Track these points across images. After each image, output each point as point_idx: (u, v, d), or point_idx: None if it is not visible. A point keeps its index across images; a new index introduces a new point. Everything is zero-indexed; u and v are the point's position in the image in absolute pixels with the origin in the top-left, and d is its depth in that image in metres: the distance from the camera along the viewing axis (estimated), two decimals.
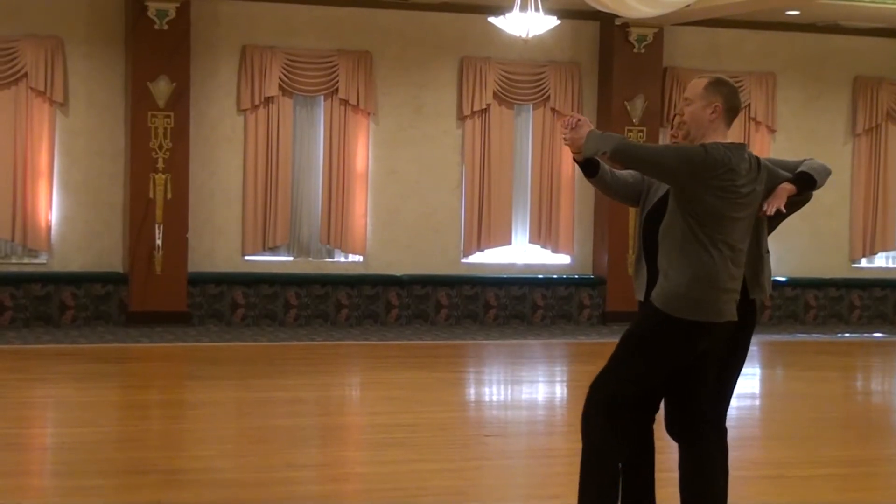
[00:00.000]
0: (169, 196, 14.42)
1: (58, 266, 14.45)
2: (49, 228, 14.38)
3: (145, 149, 14.33)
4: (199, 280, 14.75)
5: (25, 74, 14.11)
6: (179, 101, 14.45)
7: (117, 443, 8.20)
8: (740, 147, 4.99)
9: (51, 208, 14.39)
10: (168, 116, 14.39)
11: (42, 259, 14.43)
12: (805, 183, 5.10)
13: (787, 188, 5.06)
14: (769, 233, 5.34)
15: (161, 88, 14.29)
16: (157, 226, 14.38)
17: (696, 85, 5.10)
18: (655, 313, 4.99)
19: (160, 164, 14.38)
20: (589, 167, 5.20)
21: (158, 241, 14.36)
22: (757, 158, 5.05)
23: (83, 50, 14.48)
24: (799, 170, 5.16)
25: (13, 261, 14.27)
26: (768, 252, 5.32)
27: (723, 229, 4.91)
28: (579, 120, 5.01)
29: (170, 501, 6.55)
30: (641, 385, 5.13)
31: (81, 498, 6.48)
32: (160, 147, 14.35)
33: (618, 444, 5.16)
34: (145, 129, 14.34)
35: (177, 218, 14.49)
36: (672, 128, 5.18)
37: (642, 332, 5.09)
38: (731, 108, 5.05)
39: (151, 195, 14.37)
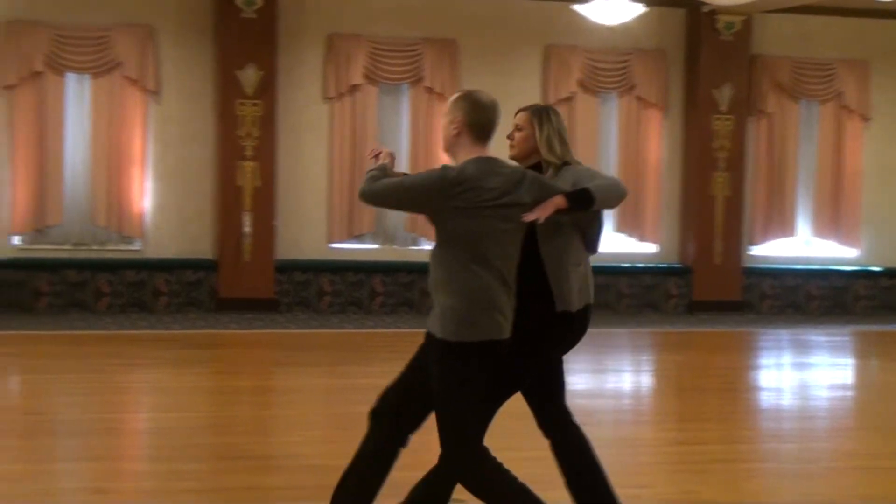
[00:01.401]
0: (257, 184, 14.58)
1: (151, 253, 14.69)
2: (142, 216, 14.63)
3: (233, 137, 14.51)
4: (286, 267, 14.91)
5: (120, 63, 14.35)
6: (267, 90, 14.61)
7: (209, 428, 8.33)
8: (488, 161, 4.87)
9: (144, 196, 14.63)
10: (256, 104, 14.54)
11: (136, 246, 14.69)
12: (579, 199, 4.92)
13: (555, 202, 4.86)
14: (589, 249, 5.27)
15: (249, 77, 14.45)
16: (245, 213, 14.56)
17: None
18: (438, 345, 4.93)
19: (248, 152, 14.55)
20: None
21: (247, 229, 14.54)
22: (522, 171, 4.97)
23: (174, 38, 14.70)
24: (580, 186, 5.02)
25: (109, 248, 14.53)
26: (580, 264, 5.23)
27: (479, 247, 4.80)
28: (379, 153, 5.07)
29: (261, 486, 6.64)
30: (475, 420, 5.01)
31: (176, 482, 6.60)
32: (248, 135, 14.52)
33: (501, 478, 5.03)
34: (233, 118, 14.53)
35: (264, 206, 14.66)
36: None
37: (438, 374, 4.96)
38: (475, 123, 4.89)
39: (240, 183, 14.54)
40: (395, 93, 15.55)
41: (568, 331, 5.24)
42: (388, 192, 4.93)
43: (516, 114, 5.44)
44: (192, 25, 14.78)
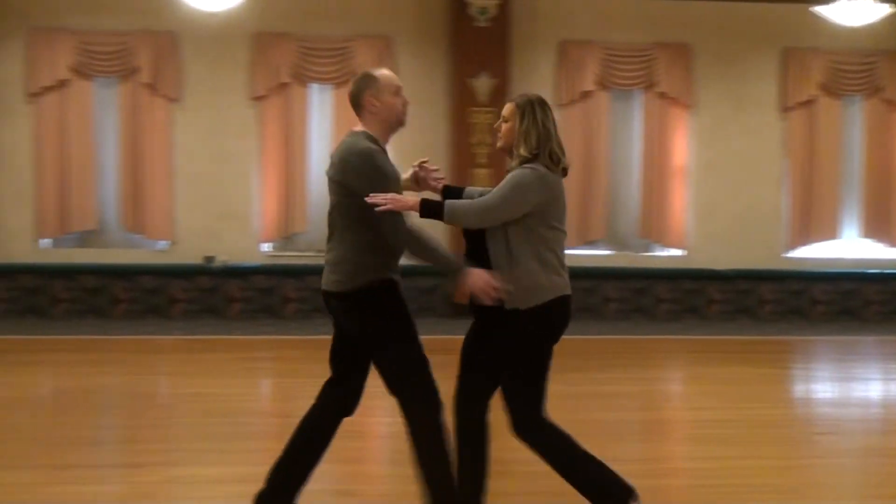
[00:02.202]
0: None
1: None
2: None
3: (466, 144, 14.67)
4: None
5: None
6: (500, 97, 14.69)
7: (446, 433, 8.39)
8: None
9: None
10: (489, 112, 14.66)
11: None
12: (430, 210, 5.18)
13: (410, 203, 5.19)
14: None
15: (482, 85, 14.59)
16: None
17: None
18: None
19: (481, 160, 14.67)
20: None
21: None
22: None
23: (410, 48, 14.99)
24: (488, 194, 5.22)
25: None
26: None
27: None
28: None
29: (494, 490, 6.66)
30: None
31: (416, 486, 6.69)
32: (481, 142, 14.65)
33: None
34: (467, 125, 14.68)
35: None
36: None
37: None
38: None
39: None
40: (627, 98, 15.43)
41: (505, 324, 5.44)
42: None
43: (506, 103, 5.48)
44: (428, 35, 15.04)
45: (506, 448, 7.86)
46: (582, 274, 15.07)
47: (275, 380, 10.69)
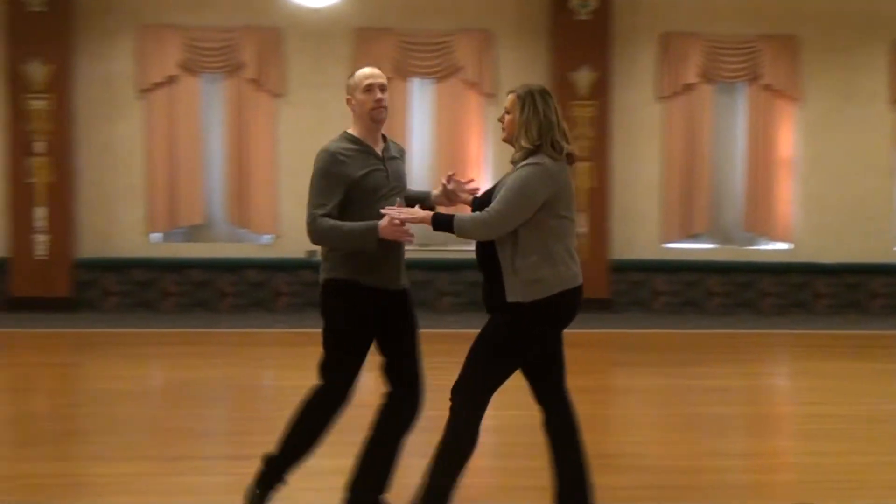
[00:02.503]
0: (592, 184, 14.65)
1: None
2: None
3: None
4: (620, 267, 14.91)
5: (459, 68, 14.78)
6: (601, 91, 14.65)
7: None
8: None
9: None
10: (590, 105, 14.61)
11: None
12: (441, 224, 5.33)
13: (423, 217, 5.37)
14: None
15: (583, 78, 14.54)
16: (579, 213, 14.65)
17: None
18: None
19: (583, 153, 14.62)
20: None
21: (583, 229, 14.63)
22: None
23: (510, 42, 14.98)
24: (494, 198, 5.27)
25: (450, 248, 14.92)
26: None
27: None
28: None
29: (601, 485, 6.65)
30: None
31: (517, 479, 6.72)
32: (583, 136, 14.60)
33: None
34: (568, 119, 14.59)
35: (599, 206, 14.71)
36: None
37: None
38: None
39: (576, 184, 14.63)
40: (731, 91, 15.26)
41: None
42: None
43: (508, 94, 5.48)
44: (529, 29, 15.02)
45: (609, 443, 7.87)
46: (685, 267, 14.98)
47: (378, 372, 10.75)
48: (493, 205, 5.22)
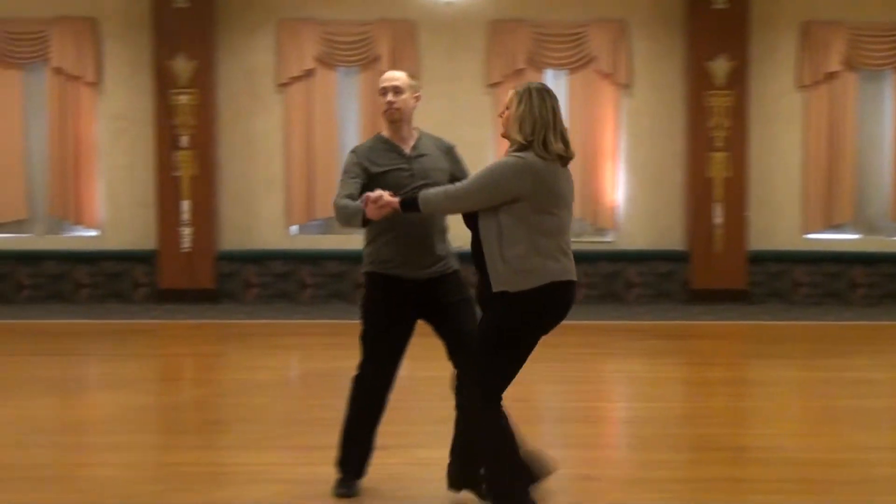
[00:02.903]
0: (728, 174, 14.46)
1: (623, 244, 14.96)
2: (615, 208, 14.92)
3: (703, 128, 14.47)
4: (759, 258, 14.69)
5: (593, 58, 14.72)
6: (738, 80, 14.44)
7: (685, 418, 8.37)
8: None
9: (616, 188, 14.91)
10: (727, 95, 14.42)
11: (609, 238, 15.00)
12: (407, 205, 5.50)
13: (392, 203, 5.51)
14: None
15: (720, 67, 14.35)
16: (715, 204, 14.48)
17: (402, 76, 6.04)
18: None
19: (718, 143, 14.45)
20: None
21: (718, 220, 14.45)
22: None
23: (645, 32, 14.86)
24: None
25: (584, 240, 14.93)
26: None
27: None
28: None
29: (738, 477, 6.60)
30: None
31: (654, 471, 6.68)
32: (719, 126, 14.42)
33: None
34: (704, 109, 14.47)
35: (736, 196, 14.51)
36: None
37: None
38: None
39: (710, 174, 14.48)
40: (876, 79, 14.89)
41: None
42: None
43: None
44: (664, 18, 14.87)
45: (748, 435, 7.78)
46: (827, 258, 14.68)
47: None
48: (463, 182, 5.46)
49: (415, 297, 5.89)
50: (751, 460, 7.02)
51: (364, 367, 6.01)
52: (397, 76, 6.03)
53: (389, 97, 5.96)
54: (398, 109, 5.96)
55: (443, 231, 6.00)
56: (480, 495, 5.78)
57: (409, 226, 5.79)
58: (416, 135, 6.06)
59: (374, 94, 14.81)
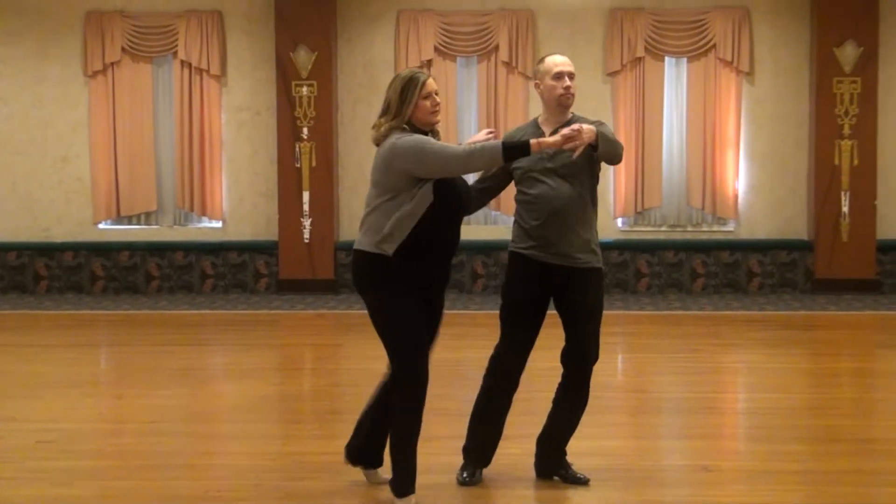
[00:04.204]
0: (855, 162, 14.15)
1: (744, 233, 14.73)
2: (736, 197, 14.69)
3: (830, 115, 14.18)
4: (888, 247, 14.35)
5: (714, 45, 14.51)
6: (867, 66, 14.12)
7: (810, 409, 8.21)
8: None
9: (738, 177, 14.68)
10: (854, 82, 14.12)
11: (730, 227, 14.79)
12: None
13: None
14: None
15: (846, 53, 14.06)
16: (842, 193, 14.18)
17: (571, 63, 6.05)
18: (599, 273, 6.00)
19: (846, 131, 14.16)
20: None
21: (845, 209, 14.15)
22: None
23: (769, 18, 14.62)
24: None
25: (703, 228, 14.74)
26: None
27: None
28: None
29: (865, 469, 6.46)
30: None
31: (777, 462, 6.58)
32: (846, 113, 14.12)
33: None
34: (830, 96, 14.18)
35: (864, 184, 14.20)
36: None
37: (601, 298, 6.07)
38: None
39: (837, 162, 14.19)
40: None
41: None
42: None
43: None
44: (788, 4, 14.61)
45: (877, 427, 7.62)
46: None
47: (628, 354, 10.74)
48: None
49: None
50: (878, 452, 6.87)
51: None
52: (570, 62, 6.03)
53: (567, 82, 5.94)
54: (573, 95, 5.97)
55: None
56: (566, 478, 6.05)
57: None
58: (570, 117, 6.01)
59: (495, 83, 14.89)
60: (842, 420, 7.79)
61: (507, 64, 14.81)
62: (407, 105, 5.62)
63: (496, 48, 14.79)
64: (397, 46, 14.98)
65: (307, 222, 14.76)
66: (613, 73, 14.68)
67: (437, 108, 5.73)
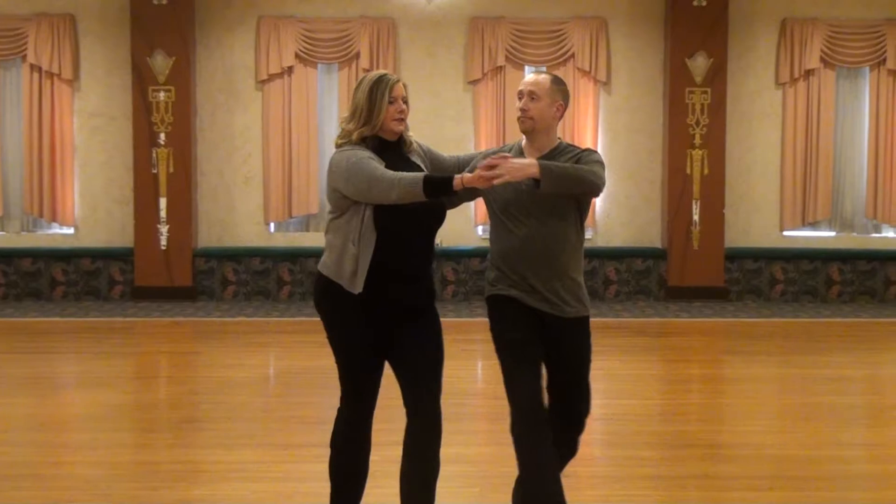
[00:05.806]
0: (706, 172, 14.49)
1: (601, 242, 14.97)
2: (593, 205, 14.91)
3: (683, 125, 14.50)
4: (736, 255, 14.72)
5: (573, 55, 14.73)
6: (717, 77, 14.47)
7: (661, 415, 8.38)
8: None
9: None
10: (705, 92, 14.45)
11: (587, 235, 14.95)
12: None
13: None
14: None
15: (698, 65, 14.39)
16: (694, 201, 14.51)
17: (543, 82, 5.18)
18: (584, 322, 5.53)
19: (697, 140, 14.48)
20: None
21: (696, 217, 14.48)
22: None
23: (625, 29, 14.88)
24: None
25: None
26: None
27: None
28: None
29: (716, 474, 6.62)
30: None
31: (631, 468, 6.70)
32: (697, 123, 14.45)
33: None
34: (683, 106, 14.50)
35: (713, 193, 14.54)
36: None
37: (587, 346, 5.63)
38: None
39: (689, 171, 14.51)
40: (854, 77, 14.94)
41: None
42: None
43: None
44: (643, 16, 14.89)
45: (725, 432, 7.81)
46: (803, 255, 14.75)
47: (487, 361, 10.79)
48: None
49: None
50: (727, 457, 7.04)
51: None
52: (539, 80, 5.21)
53: (523, 103, 5.17)
54: (531, 119, 5.15)
55: None
56: None
57: None
58: (556, 144, 5.30)
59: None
60: (692, 426, 7.98)
61: (368, 71, 14.77)
62: (378, 111, 5.04)
63: (357, 55, 14.77)
64: (258, 52, 14.86)
65: (164, 229, 14.52)
66: (474, 82, 14.78)
67: (402, 116, 5.12)
